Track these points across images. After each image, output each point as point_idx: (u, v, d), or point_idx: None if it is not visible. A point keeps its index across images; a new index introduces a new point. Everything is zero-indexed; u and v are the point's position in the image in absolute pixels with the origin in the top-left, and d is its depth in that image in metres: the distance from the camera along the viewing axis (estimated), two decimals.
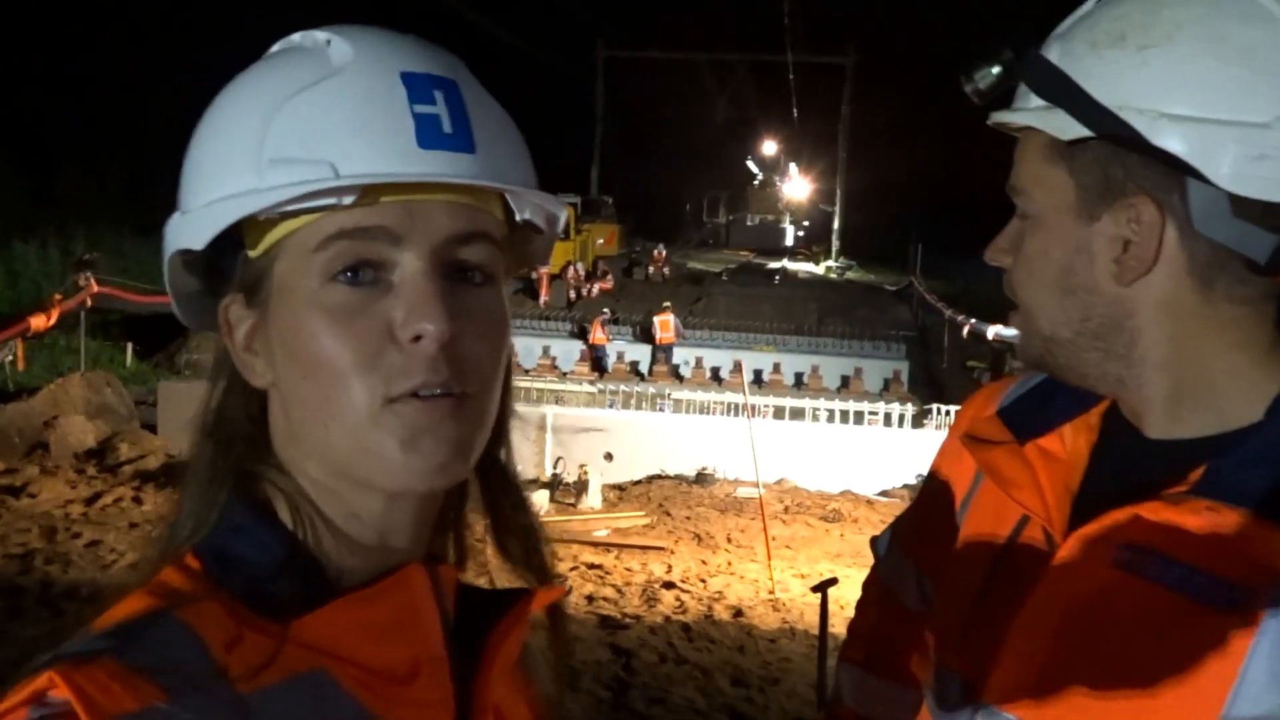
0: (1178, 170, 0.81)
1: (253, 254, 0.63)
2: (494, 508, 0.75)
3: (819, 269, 36.50)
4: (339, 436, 0.62)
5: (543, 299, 22.42)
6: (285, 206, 0.60)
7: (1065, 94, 0.85)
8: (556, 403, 15.56)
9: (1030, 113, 0.88)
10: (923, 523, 1.23)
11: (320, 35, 0.65)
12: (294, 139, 0.61)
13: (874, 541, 1.36)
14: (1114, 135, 0.82)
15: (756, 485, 9.92)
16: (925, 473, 1.25)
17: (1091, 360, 0.89)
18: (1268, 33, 0.79)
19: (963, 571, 1.02)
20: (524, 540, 0.76)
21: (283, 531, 0.64)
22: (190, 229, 0.63)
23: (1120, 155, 0.83)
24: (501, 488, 0.75)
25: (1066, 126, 0.85)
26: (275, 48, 0.69)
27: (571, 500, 11.85)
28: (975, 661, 0.94)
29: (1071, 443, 0.96)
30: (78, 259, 17.24)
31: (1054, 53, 0.87)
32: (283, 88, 0.62)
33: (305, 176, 0.59)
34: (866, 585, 1.35)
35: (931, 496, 1.20)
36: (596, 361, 18.41)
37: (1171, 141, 0.80)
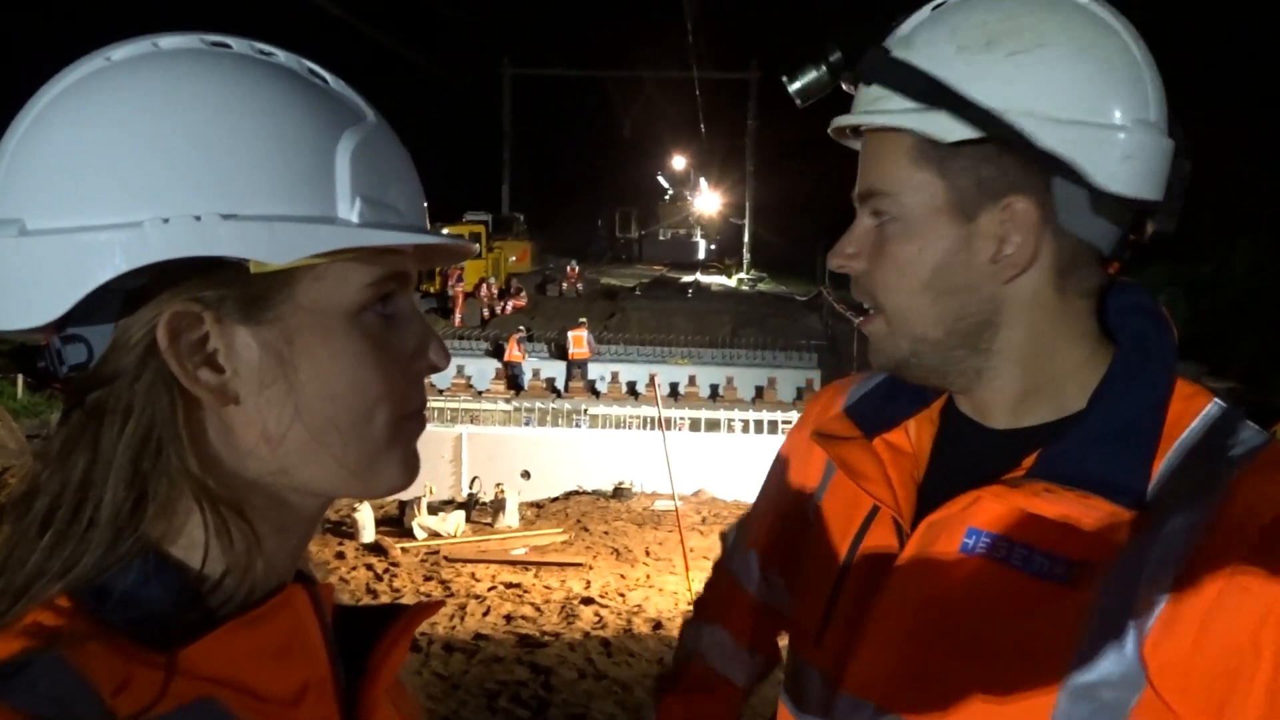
0: (1051, 171, 0.85)
1: (257, 270, 0.60)
2: None
3: (731, 281, 36.87)
4: (356, 454, 0.65)
5: (457, 318, 22.19)
6: (377, 246, 0.63)
7: (946, 97, 0.86)
8: (472, 422, 15.42)
9: (901, 114, 0.88)
10: (769, 519, 1.25)
11: (297, 60, 0.64)
12: (369, 178, 0.62)
13: (724, 535, 1.38)
14: (1001, 138, 0.85)
15: (673, 498, 9.97)
16: (768, 471, 1.27)
17: (955, 358, 0.92)
18: (1117, 44, 0.86)
19: (817, 567, 1.05)
20: None
21: (171, 561, 0.61)
22: (258, 240, 0.58)
23: (994, 156, 0.86)
24: None
25: (948, 129, 0.86)
26: (236, 46, 0.63)
27: (489, 520, 11.75)
28: (834, 655, 0.97)
29: (915, 436, 1.01)
30: None
31: (909, 56, 0.88)
32: (315, 113, 0.61)
33: (391, 220, 0.63)
34: (716, 567, 1.37)
35: (778, 493, 1.23)
36: (512, 379, 18.28)
37: (1055, 143, 0.84)
